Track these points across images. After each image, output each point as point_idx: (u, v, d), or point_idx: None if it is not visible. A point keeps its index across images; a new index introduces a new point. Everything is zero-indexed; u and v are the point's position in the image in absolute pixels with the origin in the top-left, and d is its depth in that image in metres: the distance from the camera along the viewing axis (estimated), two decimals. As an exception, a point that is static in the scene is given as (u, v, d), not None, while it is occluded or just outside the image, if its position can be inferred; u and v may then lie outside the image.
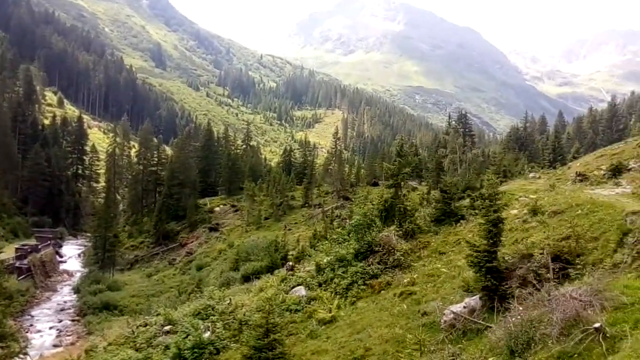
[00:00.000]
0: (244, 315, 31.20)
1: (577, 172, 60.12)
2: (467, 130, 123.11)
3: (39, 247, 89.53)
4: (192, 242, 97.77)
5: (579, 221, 28.03)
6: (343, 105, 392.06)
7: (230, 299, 35.55)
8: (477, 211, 35.54)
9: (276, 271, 45.10)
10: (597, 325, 13.95)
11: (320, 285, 34.45)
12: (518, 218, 34.64)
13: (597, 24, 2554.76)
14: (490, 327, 19.32)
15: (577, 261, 22.42)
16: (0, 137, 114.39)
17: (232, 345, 28.51)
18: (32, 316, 67.00)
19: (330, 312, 29.47)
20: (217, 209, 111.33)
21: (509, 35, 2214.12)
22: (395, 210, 41.98)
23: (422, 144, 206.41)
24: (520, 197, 43.57)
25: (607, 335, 13.80)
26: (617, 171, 52.70)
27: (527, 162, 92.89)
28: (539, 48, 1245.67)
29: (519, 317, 16.68)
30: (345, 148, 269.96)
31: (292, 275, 38.41)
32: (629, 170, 52.58)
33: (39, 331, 60.61)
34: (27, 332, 56.80)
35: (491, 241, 22.16)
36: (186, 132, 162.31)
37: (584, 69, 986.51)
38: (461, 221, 40.11)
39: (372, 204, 49.45)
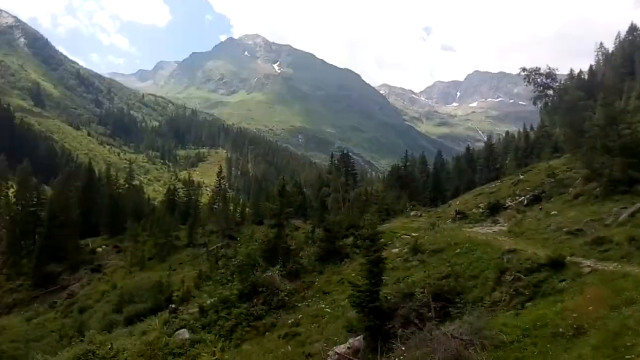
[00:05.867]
0: (126, 360, 30.20)
1: (457, 210, 61.75)
2: (349, 169, 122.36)
3: None
4: (73, 284, 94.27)
5: (458, 260, 28.93)
6: (227, 144, 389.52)
7: (111, 343, 34.25)
8: (359, 250, 35.73)
9: (160, 313, 44.04)
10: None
11: (204, 327, 33.70)
12: (399, 257, 34.97)
13: (469, 66, 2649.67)
14: (375, 368, 19.32)
15: (457, 300, 22.76)
16: None
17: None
18: None
19: (214, 356, 28.97)
20: (99, 249, 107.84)
21: (386, 77, 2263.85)
22: (279, 249, 41.89)
23: (306, 183, 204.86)
24: (402, 235, 44.05)
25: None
26: (494, 209, 54.48)
27: (408, 201, 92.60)
28: (417, 89, 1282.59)
29: (402, 357, 16.72)
30: (230, 187, 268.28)
31: (176, 317, 37.13)
32: (506, 208, 54.48)
33: None
34: None
35: (372, 281, 22.20)
36: (66, 172, 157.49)
37: (460, 110, 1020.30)
38: (345, 260, 40.08)
39: (256, 244, 49.15)
